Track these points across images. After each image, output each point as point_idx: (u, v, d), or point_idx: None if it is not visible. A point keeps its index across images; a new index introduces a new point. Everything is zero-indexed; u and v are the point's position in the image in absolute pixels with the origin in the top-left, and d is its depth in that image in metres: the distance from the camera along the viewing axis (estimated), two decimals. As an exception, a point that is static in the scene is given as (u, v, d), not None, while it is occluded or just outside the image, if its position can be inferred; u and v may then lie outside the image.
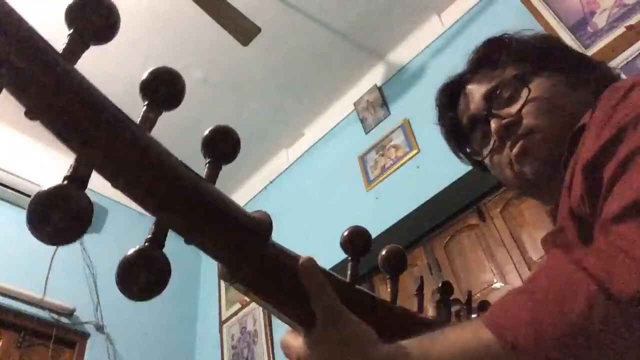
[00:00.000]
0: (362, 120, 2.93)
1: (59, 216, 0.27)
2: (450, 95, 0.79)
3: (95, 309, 2.65)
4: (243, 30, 2.28)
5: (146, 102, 0.33)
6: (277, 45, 2.78)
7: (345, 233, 0.49)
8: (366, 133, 2.86)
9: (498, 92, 0.70)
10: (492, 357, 0.38)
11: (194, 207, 0.33)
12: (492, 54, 0.74)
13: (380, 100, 2.88)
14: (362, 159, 2.78)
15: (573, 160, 0.52)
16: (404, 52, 2.90)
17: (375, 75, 3.01)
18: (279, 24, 2.67)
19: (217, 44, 2.58)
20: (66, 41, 0.30)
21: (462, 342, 0.41)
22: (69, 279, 2.65)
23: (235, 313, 2.94)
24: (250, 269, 0.37)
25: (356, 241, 0.48)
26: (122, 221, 3.11)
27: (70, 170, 0.29)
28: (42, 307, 2.45)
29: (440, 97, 0.81)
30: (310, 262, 0.42)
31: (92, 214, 0.28)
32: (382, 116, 2.83)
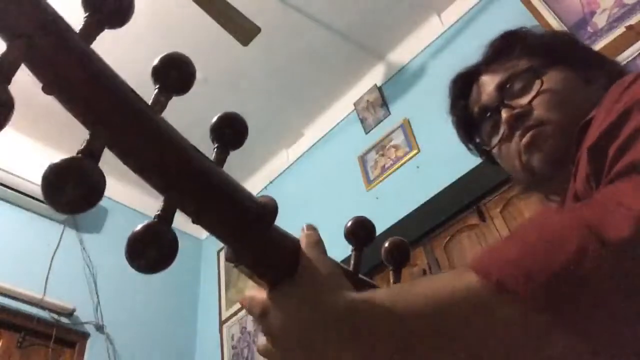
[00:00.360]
0: (362, 120, 2.93)
1: (72, 187, 0.28)
2: (463, 85, 0.80)
3: (95, 309, 2.65)
4: (243, 30, 2.28)
5: (157, 86, 0.34)
6: (277, 45, 2.78)
7: (349, 223, 0.49)
8: (366, 133, 2.86)
9: (511, 83, 0.71)
10: (474, 301, 0.34)
11: (202, 188, 0.34)
12: (507, 46, 0.75)
13: (380, 100, 2.88)
14: (362, 159, 2.78)
15: (580, 151, 0.52)
16: (404, 52, 2.90)
17: (375, 75, 3.01)
18: (279, 24, 2.67)
19: (217, 44, 2.58)
20: (82, 23, 0.31)
21: (439, 286, 0.36)
22: (69, 279, 2.65)
23: (235, 313, 2.94)
24: (255, 252, 0.37)
25: (359, 231, 0.49)
26: (122, 221, 3.12)
27: (84, 144, 0.29)
28: (42, 307, 2.45)
29: (452, 86, 0.82)
30: (311, 226, 0.43)
31: (104, 187, 0.29)
32: (382, 116, 2.83)
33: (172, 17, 2.53)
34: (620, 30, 1.92)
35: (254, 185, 3.41)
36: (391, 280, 0.53)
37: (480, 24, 2.54)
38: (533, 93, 0.67)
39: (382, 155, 2.68)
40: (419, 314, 0.35)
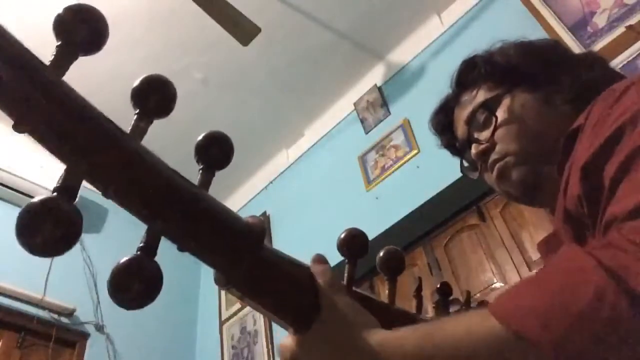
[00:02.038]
0: (362, 121, 2.93)
1: (48, 228, 0.27)
2: (444, 119, 0.82)
3: (95, 309, 2.65)
4: (243, 30, 2.28)
5: (137, 111, 0.33)
6: (277, 45, 2.78)
7: (342, 236, 0.49)
8: (366, 133, 2.86)
9: (473, 117, 0.72)
10: (496, 346, 0.36)
11: (186, 215, 0.33)
12: (466, 77, 0.76)
13: (380, 100, 2.88)
14: (362, 159, 2.78)
15: (569, 162, 0.52)
16: (404, 52, 2.90)
17: (375, 75, 3.01)
18: (279, 24, 2.67)
19: (217, 44, 2.58)
20: (54, 53, 0.30)
21: (462, 330, 0.38)
22: (69, 279, 2.65)
23: (235, 313, 2.94)
24: (244, 274, 0.36)
25: (352, 244, 0.48)
26: (122, 221, 3.10)
27: (60, 182, 0.29)
28: (42, 307, 2.45)
29: (434, 122, 0.84)
30: (322, 258, 0.43)
31: (81, 226, 0.28)
32: (382, 116, 2.83)
33: (172, 17, 2.53)
34: (620, 30, 1.92)
35: (254, 185, 3.41)
36: (386, 289, 0.53)
37: (480, 24, 2.54)
38: (491, 128, 0.69)
39: (382, 155, 2.68)
40: (445, 358, 0.37)
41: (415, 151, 2.51)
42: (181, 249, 0.34)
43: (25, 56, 0.28)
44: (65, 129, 0.28)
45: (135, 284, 0.30)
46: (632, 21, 1.90)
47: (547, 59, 0.69)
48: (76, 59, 0.31)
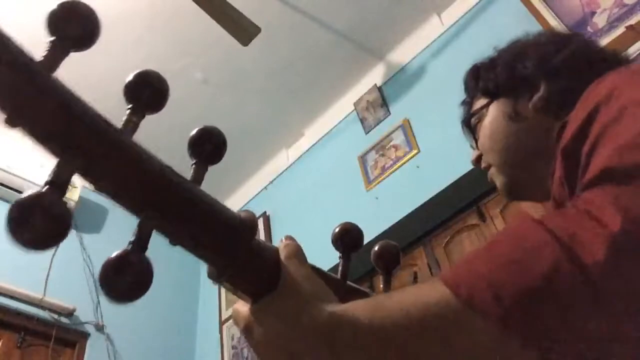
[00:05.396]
0: (362, 120, 2.93)
1: (37, 223, 0.27)
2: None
3: (95, 309, 2.65)
4: (243, 30, 2.28)
5: (130, 106, 0.33)
6: (277, 45, 2.78)
7: (336, 230, 0.49)
8: (366, 133, 2.86)
9: (465, 128, 0.80)
10: (446, 316, 0.35)
11: (178, 209, 0.33)
12: (468, 86, 0.81)
13: (380, 100, 2.88)
14: (362, 159, 2.78)
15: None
16: (404, 52, 2.90)
17: (375, 75, 3.01)
18: (279, 24, 2.67)
19: (217, 44, 2.58)
20: (46, 49, 0.30)
21: (414, 298, 0.37)
22: (69, 279, 2.65)
23: (235, 313, 2.94)
24: (236, 268, 0.37)
25: (345, 238, 0.49)
26: (122, 221, 3.09)
27: (51, 176, 0.29)
28: (42, 307, 2.45)
29: (463, 129, 0.86)
30: (290, 237, 0.43)
31: (70, 220, 0.28)
32: (382, 116, 2.83)
33: (172, 17, 2.53)
34: (620, 30, 1.92)
35: (254, 185, 3.41)
36: (381, 285, 0.53)
37: (480, 24, 2.54)
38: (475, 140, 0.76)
39: (382, 155, 2.68)
40: (396, 326, 0.36)
41: (415, 151, 2.51)
42: (173, 242, 0.34)
43: (16, 51, 0.28)
44: (56, 123, 0.29)
45: (123, 278, 0.30)
46: (632, 21, 1.90)
47: (526, 67, 0.70)
48: (67, 54, 0.31)
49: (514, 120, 0.69)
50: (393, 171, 2.56)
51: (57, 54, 0.30)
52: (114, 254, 0.30)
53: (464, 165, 2.15)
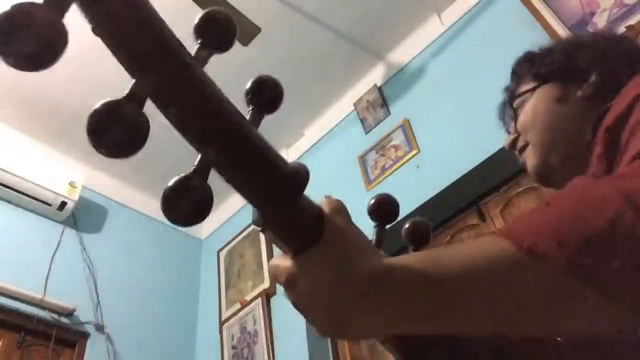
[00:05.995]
0: (362, 120, 2.93)
1: (116, 128, 0.27)
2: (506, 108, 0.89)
3: (95, 309, 2.65)
4: (243, 30, 2.28)
5: (199, 42, 0.34)
6: (277, 45, 2.78)
7: (373, 201, 0.50)
8: (366, 133, 2.86)
9: (505, 110, 0.84)
10: (507, 265, 0.34)
11: (239, 146, 0.33)
12: (517, 70, 0.84)
13: (380, 100, 2.88)
14: (362, 159, 2.78)
15: (596, 136, 0.58)
16: (404, 52, 2.90)
17: (375, 75, 3.01)
18: (279, 24, 2.67)
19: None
20: None
21: (472, 250, 0.36)
22: (69, 279, 2.65)
23: (235, 313, 2.94)
24: (282, 217, 0.36)
25: (382, 209, 0.50)
26: (122, 221, 3.12)
27: (129, 91, 0.29)
28: (42, 307, 2.45)
29: (499, 112, 0.90)
30: (331, 197, 0.43)
31: (147, 131, 0.28)
32: (382, 116, 2.83)
33: (172, 17, 2.53)
34: (620, 30, 1.92)
35: (254, 185, 3.40)
36: None
37: (480, 24, 2.53)
38: (514, 121, 0.80)
39: (382, 155, 2.68)
40: (452, 277, 0.35)
41: (415, 151, 2.51)
42: (227, 181, 0.34)
43: None
44: (138, 41, 0.29)
45: (185, 202, 0.30)
46: (632, 21, 1.90)
47: (582, 58, 0.75)
48: None
49: (561, 104, 0.73)
50: (393, 171, 2.56)
51: None
52: (174, 179, 0.30)
53: (464, 165, 2.16)
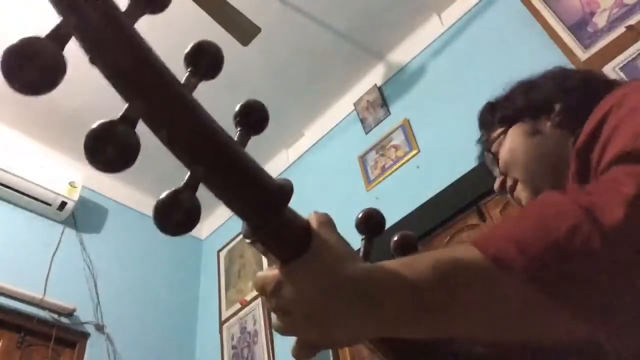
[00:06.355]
0: (362, 120, 2.93)
1: (109, 148, 0.30)
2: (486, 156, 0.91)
3: (95, 309, 2.65)
4: (243, 30, 2.28)
5: (190, 69, 0.38)
6: (277, 45, 2.78)
7: (360, 215, 0.53)
8: (366, 133, 2.86)
9: (484, 157, 0.86)
10: (475, 272, 0.38)
11: (227, 164, 0.36)
12: (484, 120, 0.88)
13: (380, 100, 2.88)
14: (362, 159, 2.78)
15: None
16: (404, 52, 2.90)
17: (375, 75, 3.01)
18: (279, 24, 2.67)
19: (217, 44, 2.58)
20: (127, 4, 0.34)
21: (444, 257, 0.40)
22: (69, 279, 2.65)
23: (235, 313, 2.94)
24: (270, 229, 0.39)
25: (369, 222, 0.52)
26: (122, 221, 3.12)
27: (123, 112, 0.32)
28: (42, 307, 2.45)
29: (483, 161, 0.92)
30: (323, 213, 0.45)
31: (138, 150, 0.31)
32: (382, 116, 2.83)
33: (172, 17, 2.53)
34: (620, 30, 1.92)
35: (254, 185, 3.40)
36: None
37: (480, 24, 2.53)
38: (496, 164, 0.82)
39: (382, 155, 2.68)
40: (426, 281, 0.38)
41: (415, 151, 2.51)
42: (216, 195, 0.37)
43: (109, 1, 0.32)
44: (132, 69, 0.32)
45: (175, 214, 0.33)
46: (632, 21, 1.90)
47: (540, 93, 0.79)
48: (144, 13, 0.35)
49: (535, 136, 0.76)
50: (393, 171, 2.56)
51: (135, 9, 0.34)
52: (166, 192, 0.34)
53: (464, 165, 2.15)
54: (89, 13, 0.30)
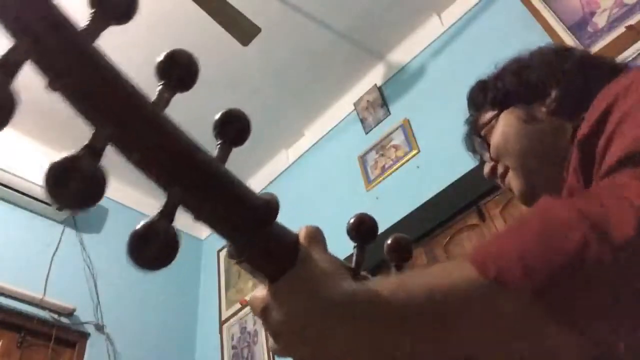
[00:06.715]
0: (362, 120, 2.93)
1: (74, 184, 0.28)
2: (471, 141, 0.88)
3: (95, 309, 2.65)
4: (243, 30, 2.28)
5: (162, 83, 0.34)
6: (277, 45, 2.78)
7: (352, 220, 0.50)
8: (366, 133, 2.86)
9: (474, 141, 0.83)
10: (473, 294, 0.35)
11: (205, 185, 0.33)
12: (475, 100, 0.84)
13: (380, 100, 2.88)
14: (362, 159, 2.78)
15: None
16: (404, 52, 2.90)
17: (375, 75, 3.01)
18: (279, 24, 2.67)
19: (217, 44, 2.58)
20: (88, 19, 0.31)
21: (439, 277, 0.37)
22: (69, 279, 2.65)
23: (235, 313, 2.94)
24: (255, 248, 0.37)
25: (361, 228, 0.49)
26: (122, 221, 3.11)
27: (87, 142, 0.30)
28: (42, 307, 2.45)
29: (466, 145, 0.89)
30: (312, 226, 0.43)
31: (105, 184, 0.29)
32: (382, 116, 2.83)
33: (171, 17, 2.53)
34: (620, 30, 1.92)
35: (254, 185, 3.40)
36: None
37: (480, 24, 2.54)
38: (487, 149, 0.78)
39: (382, 155, 2.68)
40: (418, 305, 0.35)
41: (415, 151, 2.51)
42: (197, 218, 0.34)
43: (64, 20, 0.29)
44: (93, 93, 0.30)
45: (149, 247, 0.30)
46: (632, 21, 1.90)
47: (532, 75, 0.74)
48: (107, 26, 0.32)
49: (530, 123, 0.72)
50: (393, 171, 2.56)
51: (97, 25, 0.31)
52: (140, 223, 0.31)
53: (464, 165, 2.15)
54: (44, 35, 0.28)
